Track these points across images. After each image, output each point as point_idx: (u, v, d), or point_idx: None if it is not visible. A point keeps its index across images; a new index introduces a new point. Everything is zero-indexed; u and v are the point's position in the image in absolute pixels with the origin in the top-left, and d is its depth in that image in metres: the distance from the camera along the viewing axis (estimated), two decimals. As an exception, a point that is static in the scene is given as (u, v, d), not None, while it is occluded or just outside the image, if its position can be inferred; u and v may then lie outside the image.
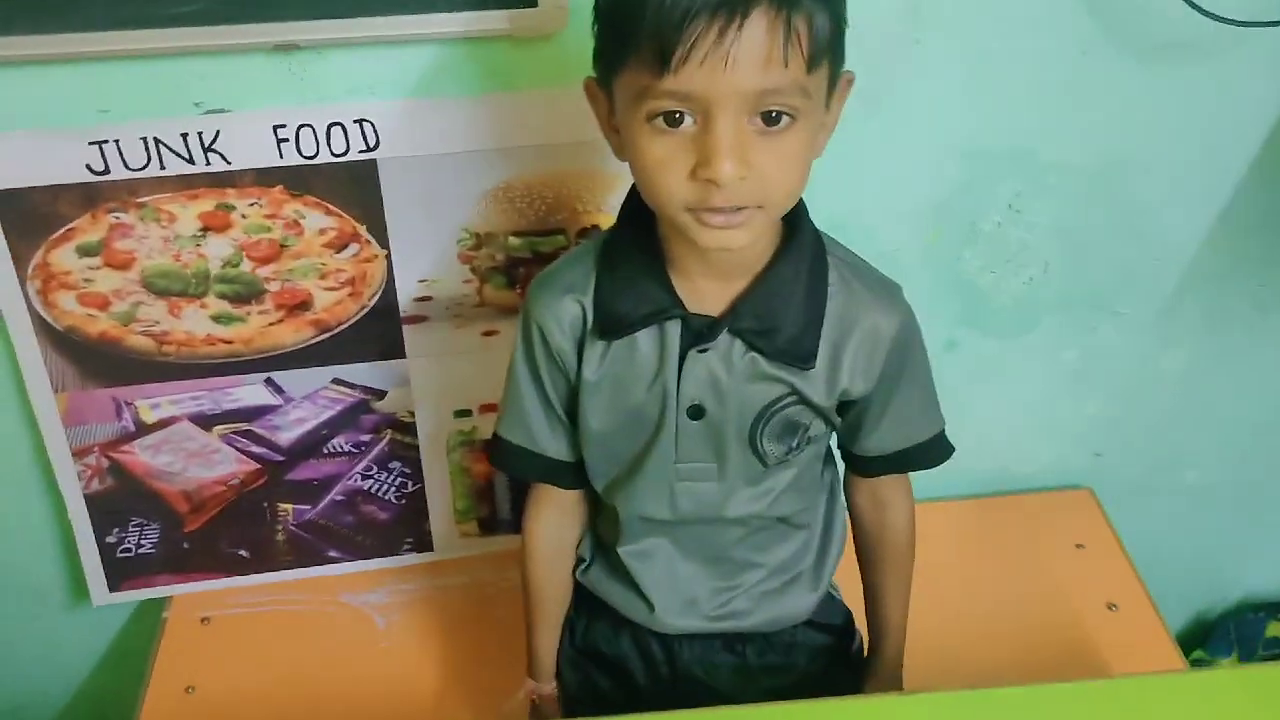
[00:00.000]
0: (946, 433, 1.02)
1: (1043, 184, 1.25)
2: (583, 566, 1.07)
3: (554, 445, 0.99)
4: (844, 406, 0.96)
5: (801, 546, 1.04)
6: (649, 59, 0.76)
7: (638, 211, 0.90)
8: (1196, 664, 1.56)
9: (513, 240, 1.21)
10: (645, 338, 0.91)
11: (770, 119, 0.78)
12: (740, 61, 0.74)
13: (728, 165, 0.76)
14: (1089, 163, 1.25)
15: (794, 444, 0.95)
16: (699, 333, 0.90)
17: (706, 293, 0.90)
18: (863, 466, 1.02)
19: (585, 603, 1.09)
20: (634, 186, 0.90)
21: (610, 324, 0.91)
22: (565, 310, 0.93)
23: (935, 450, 1.02)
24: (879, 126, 1.18)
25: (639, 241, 0.91)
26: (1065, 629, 1.32)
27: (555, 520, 1.05)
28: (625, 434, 0.95)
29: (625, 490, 0.98)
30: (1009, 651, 1.29)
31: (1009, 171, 1.24)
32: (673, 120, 0.78)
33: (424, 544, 1.38)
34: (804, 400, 0.92)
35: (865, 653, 1.13)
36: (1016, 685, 0.93)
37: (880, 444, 0.99)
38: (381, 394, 1.28)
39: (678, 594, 1.02)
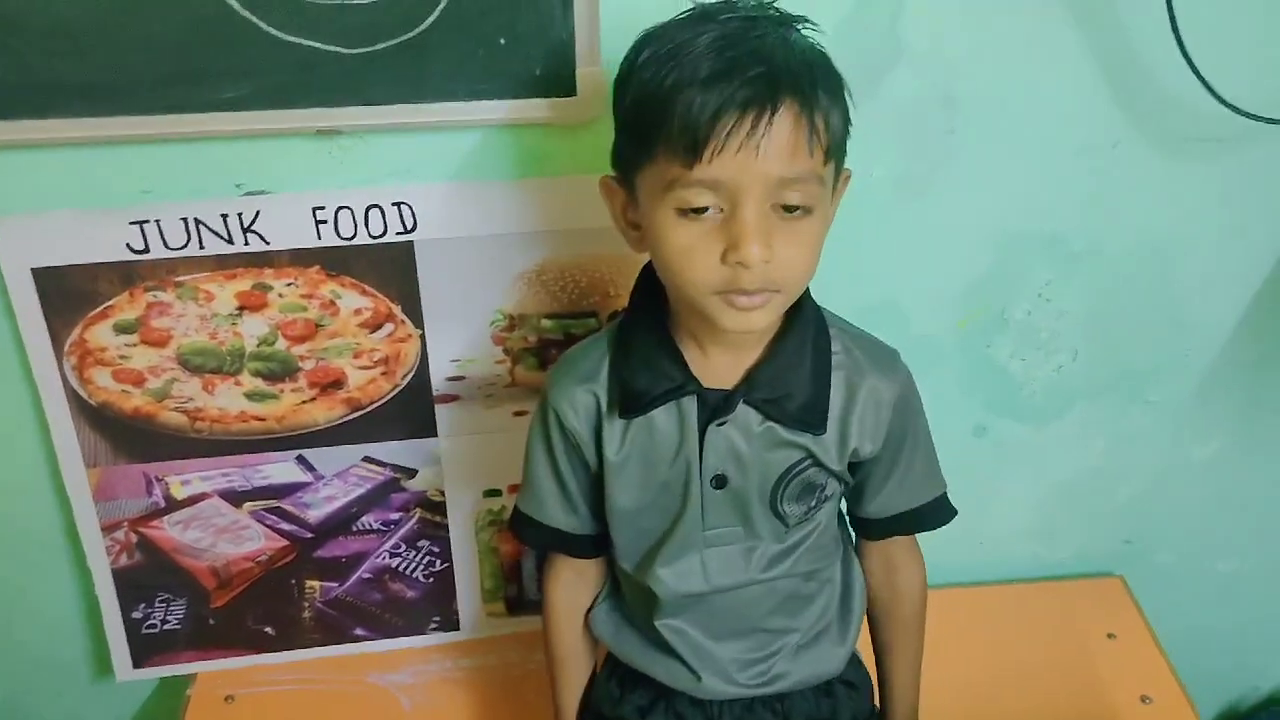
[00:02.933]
0: (948, 494, 1.06)
1: (1074, 272, 1.26)
2: (612, 633, 1.09)
3: (566, 520, 1.03)
4: (853, 467, 1.00)
5: (826, 602, 1.06)
6: (680, 152, 0.80)
7: (648, 295, 0.95)
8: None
9: (546, 322, 1.21)
10: (663, 415, 0.95)
11: (789, 209, 0.83)
12: (769, 151, 0.80)
13: (756, 248, 0.81)
14: (1120, 251, 1.25)
15: (812, 503, 0.99)
16: (716, 406, 0.94)
17: (719, 367, 0.94)
18: (870, 530, 1.07)
19: (616, 675, 1.11)
20: (642, 272, 0.97)
21: (629, 403, 0.94)
22: (579, 399, 0.97)
23: (938, 512, 1.06)
24: (914, 214, 1.19)
25: (651, 323, 0.95)
26: (1099, 720, 1.30)
27: (571, 583, 1.09)
28: (654, 508, 0.99)
29: (657, 565, 1.00)
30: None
31: (1040, 259, 1.25)
32: (699, 210, 0.82)
33: (451, 623, 1.38)
34: (819, 463, 0.96)
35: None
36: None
37: (885, 506, 1.03)
38: (412, 472, 1.28)
39: (719, 664, 1.04)
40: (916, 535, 1.08)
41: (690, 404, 0.94)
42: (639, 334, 0.96)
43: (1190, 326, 1.31)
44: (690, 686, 1.05)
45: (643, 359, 0.94)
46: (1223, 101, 1.10)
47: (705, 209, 0.82)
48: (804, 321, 0.95)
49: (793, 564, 1.01)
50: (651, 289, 0.94)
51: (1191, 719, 1.29)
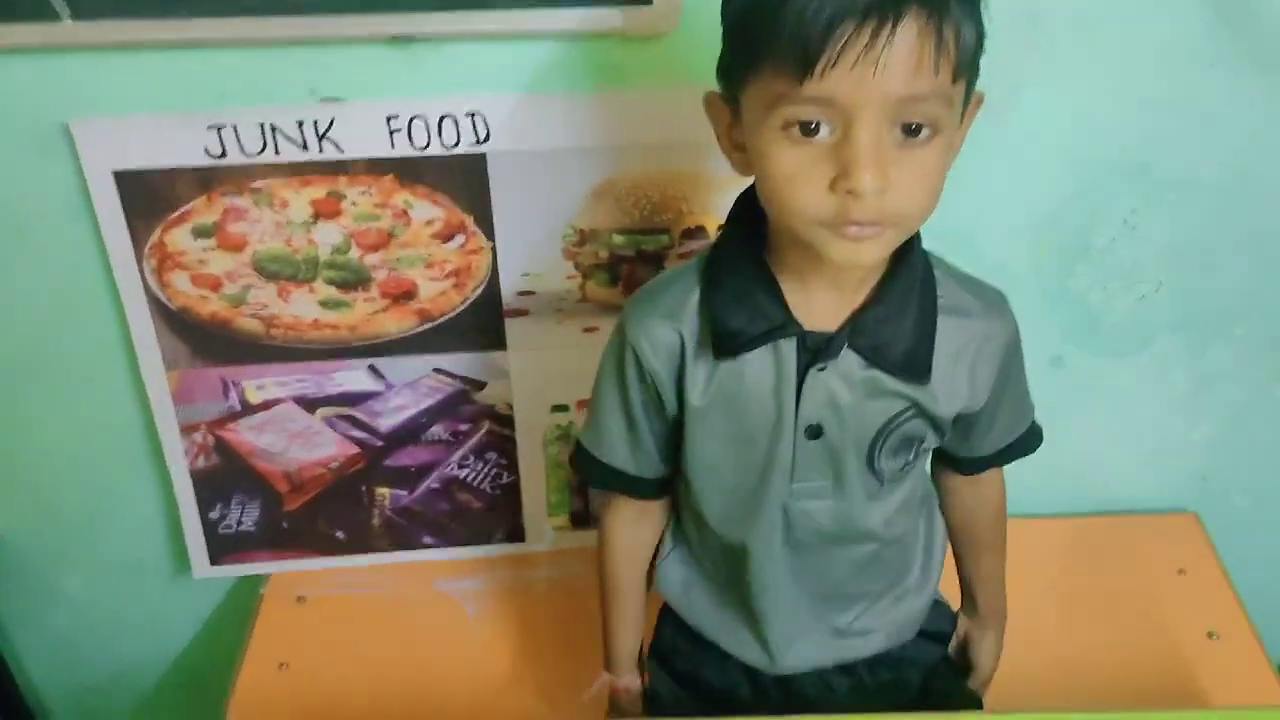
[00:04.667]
0: (1036, 419, 1.03)
1: (1161, 199, 1.22)
2: (680, 593, 1.05)
3: (631, 462, 0.98)
4: (957, 418, 0.94)
5: (910, 561, 1.03)
6: (789, 64, 0.72)
7: (745, 223, 0.88)
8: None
9: (617, 238, 1.21)
10: (758, 357, 0.88)
11: (911, 130, 0.75)
12: (890, 67, 0.71)
13: (869, 176, 0.73)
14: (1210, 180, 1.21)
15: (910, 457, 0.94)
16: (816, 350, 0.87)
17: (822, 307, 0.87)
18: (963, 466, 1.03)
19: (682, 635, 1.08)
20: (740, 197, 0.89)
21: (721, 343, 0.88)
22: (661, 337, 0.90)
23: (1029, 440, 1.02)
24: (995, 136, 1.15)
25: (748, 255, 0.88)
26: (1164, 656, 1.28)
27: (631, 524, 1.04)
28: (741, 457, 0.93)
29: (745, 519, 0.95)
30: (1105, 675, 1.26)
31: (1126, 186, 1.21)
32: (809, 130, 0.75)
33: (516, 535, 1.39)
34: (923, 413, 0.91)
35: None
36: (1111, 712, 0.91)
37: (982, 447, 1.00)
38: (481, 385, 1.29)
39: (797, 634, 1.01)
40: None
41: (789, 346, 0.87)
42: (734, 266, 0.88)
43: (1278, 261, 1.27)
44: (762, 664, 1.03)
45: (738, 295, 0.87)
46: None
47: (816, 127, 0.74)
48: (911, 263, 0.87)
49: (882, 523, 0.96)
50: (749, 216, 0.87)
51: (1259, 654, 1.27)
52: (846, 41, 0.70)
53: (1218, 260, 1.27)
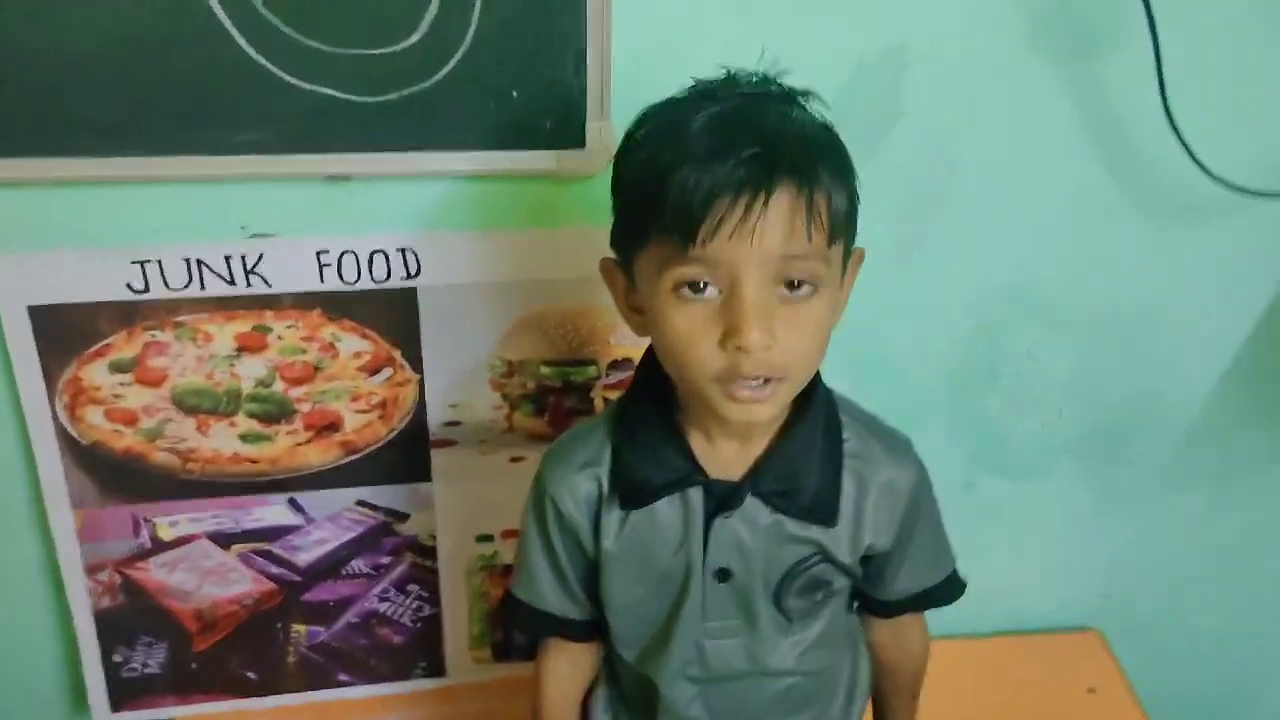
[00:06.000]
0: (958, 570, 1.04)
1: (1060, 332, 1.29)
2: None
3: (563, 606, 1.00)
4: (865, 560, 0.97)
5: (831, 696, 1.04)
6: (674, 235, 0.78)
7: (652, 379, 0.91)
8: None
9: (545, 369, 1.22)
10: (666, 505, 0.91)
11: (794, 286, 0.80)
12: (766, 233, 0.77)
13: (755, 333, 0.77)
14: (1105, 314, 1.29)
15: (818, 598, 0.96)
16: (722, 498, 0.90)
17: (727, 456, 0.90)
18: (881, 610, 1.03)
19: None
20: (645, 355, 0.93)
21: (631, 494, 0.91)
22: (580, 486, 0.93)
23: (949, 589, 1.03)
24: (909, 273, 1.21)
25: (656, 409, 0.92)
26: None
27: (565, 667, 1.05)
28: (652, 599, 0.95)
29: (656, 656, 0.97)
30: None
31: (1029, 320, 1.28)
32: (697, 289, 0.79)
33: (437, 669, 1.36)
34: (829, 558, 0.93)
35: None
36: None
37: (898, 590, 1.00)
38: (405, 516, 1.28)
39: None
40: None
41: (696, 494, 0.90)
42: (642, 419, 0.92)
43: (1171, 388, 1.35)
44: None
45: (646, 447, 0.91)
46: (1208, 173, 1.15)
47: (703, 287, 0.79)
48: (814, 409, 0.91)
49: (796, 660, 0.98)
50: (655, 372, 0.90)
51: (1170, 772, 1.32)
52: (724, 214, 0.76)
53: (1114, 388, 1.34)
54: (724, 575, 0.92)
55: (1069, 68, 1.14)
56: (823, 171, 0.79)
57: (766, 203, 0.76)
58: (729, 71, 0.84)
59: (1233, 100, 1.17)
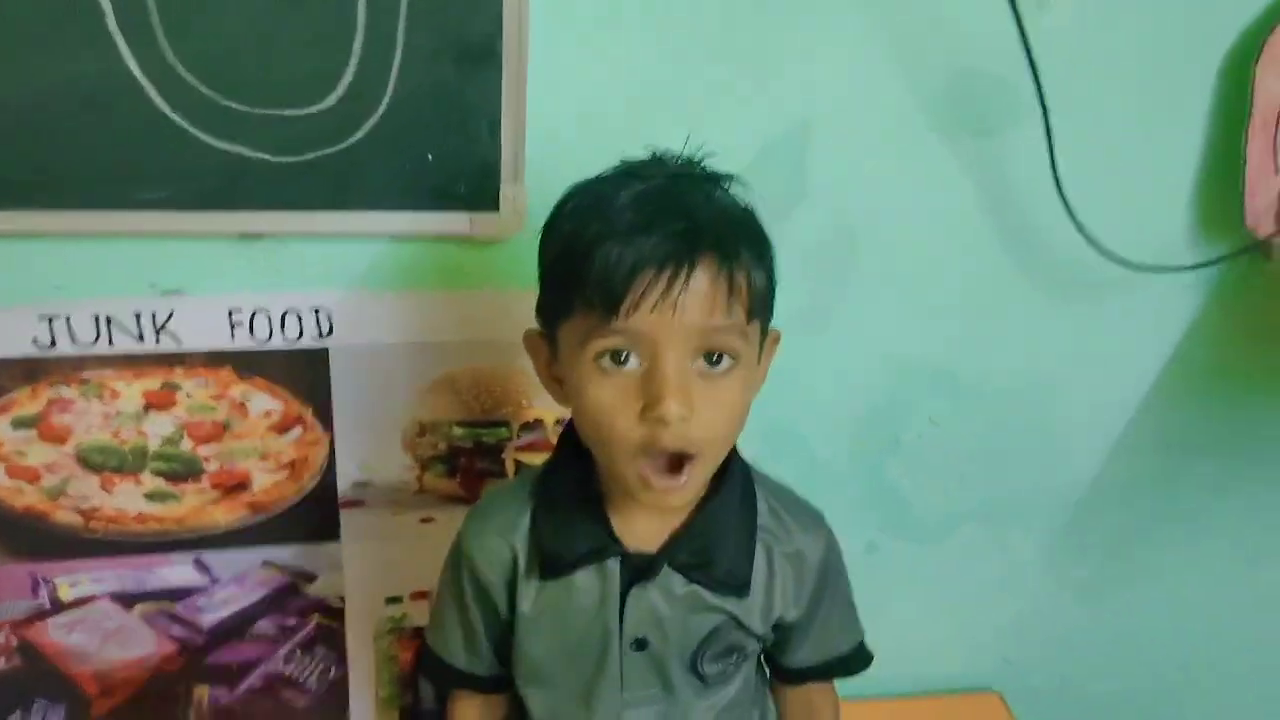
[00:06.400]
0: (865, 642, 1.06)
1: (960, 402, 1.33)
2: None
3: (470, 663, 1.01)
4: (775, 627, 0.99)
5: None
6: (597, 307, 0.80)
7: (573, 449, 0.93)
8: None
9: (457, 430, 1.23)
10: (584, 574, 0.92)
11: (713, 360, 0.82)
12: (688, 307, 0.79)
13: (674, 404, 0.79)
14: (1004, 384, 1.33)
15: (732, 661, 0.98)
16: (638, 569, 0.92)
17: (644, 527, 0.92)
18: (788, 677, 1.05)
19: None
20: (568, 426, 0.94)
21: (548, 564, 0.93)
22: (496, 552, 0.95)
23: (856, 659, 1.06)
24: (816, 343, 1.25)
25: (575, 478, 0.94)
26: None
27: (474, 715, 1.06)
28: (568, 667, 0.97)
29: None
30: None
31: (931, 389, 1.32)
32: (618, 359, 0.81)
33: (341, 733, 1.35)
34: (741, 625, 0.95)
35: None
36: None
37: (807, 658, 1.03)
38: (313, 577, 1.27)
39: None
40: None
41: (613, 565, 0.92)
42: (562, 489, 0.94)
43: (1066, 456, 1.39)
44: None
45: (564, 518, 0.93)
46: (1099, 249, 1.20)
47: (625, 357, 0.81)
48: (731, 482, 0.93)
49: (715, 718, 1.00)
50: (576, 442, 0.92)
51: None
52: (647, 287, 0.79)
53: (1012, 456, 1.38)
54: (641, 645, 0.94)
55: (966, 145, 1.19)
56: (744, 250, 0.82)
57: (689, 277, 0.79)
58: (654, 152, 0.87)
59: (1122, 177, 1.22)
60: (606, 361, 0.82)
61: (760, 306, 0.85)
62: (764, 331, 0.88)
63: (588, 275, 0.79)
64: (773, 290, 0.87)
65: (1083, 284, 1.28)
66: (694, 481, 0.85)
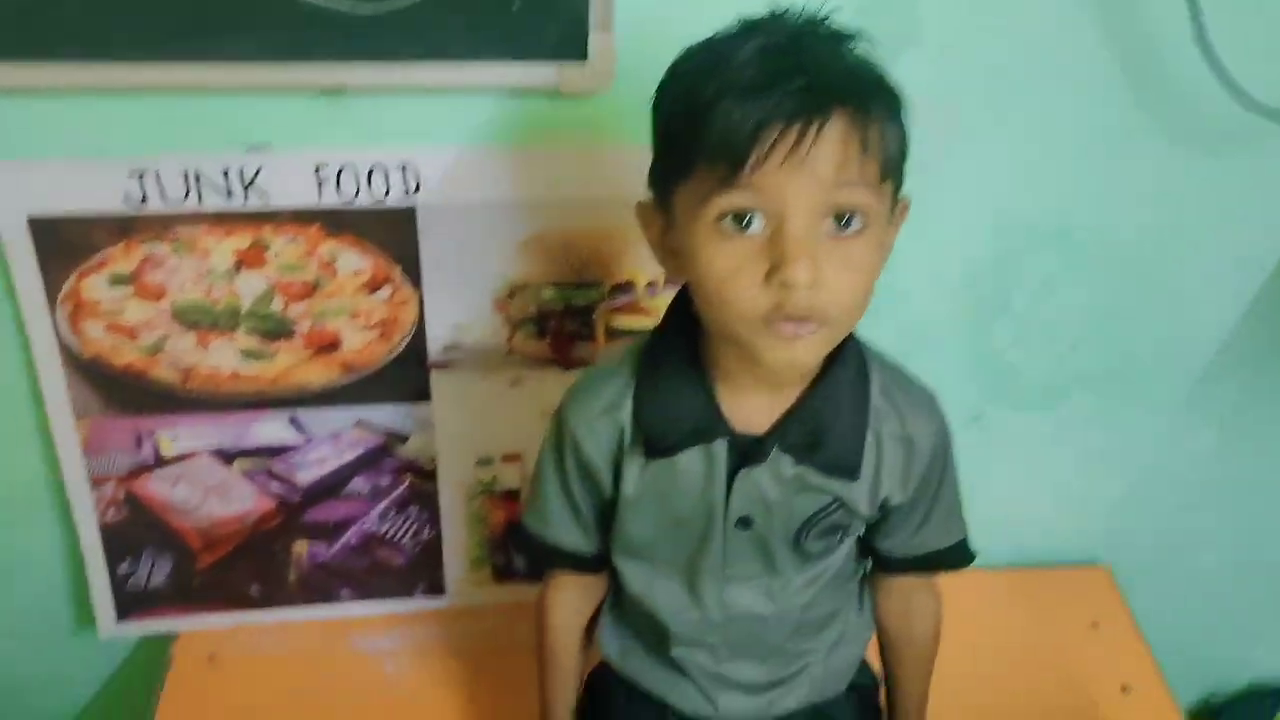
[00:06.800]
0: (968, 540, 1.03)
1: (1078, 262, 1.26)
2: (618, 655, 1.06)
3: (575, 540, 0.99)
4: (880, 508, 0.96)
5: (844, 617, 1.04)
6: (719, 166, 0.75)
7: (681, 321, 0.89)
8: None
9: (547, 292, 1.20)
10: (689, 455, 0.89)
11: (843, 222, 0.77)
12: (818, 162, 0.74)
13: (802, 266, 0.75)
14: (1125, 243, 1.25)
15: (836, 539, 0.96)
16: (747, 451, 0.89)
17: (754, 408, 0.89)
18: (886, 564, 1.03)
19: (621, 691, 1.07)
20: (677, 298, 0.91)
21: (653, 444, 0.89)
22: (602, 429, 0.91)
23: (957, 556, 1.03)
24: (920, 196, 1.17)
25: (682, 356, 0.89)
26: (1079, 711, 1.30)
27: (573, 600, 1.05)
28: (669, 544, 0.95)
29: (673, 599, 0.97)
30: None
31: (1045, 248, 1.25)
32: (742, 222, 0.76)
33: (437, 590, 1.37)
34: (848, 507, 0.93)
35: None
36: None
37: (904, 547, 1.00)
38: (404, 438, 1.27)
39: (737, 688, 1.02)
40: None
41: (720, 447, 0.89)
42: (668, 366, 0.90)
43: (1190, 321, 1.32)
44: (707, 713, 1.02)
45: (670, 397, 0.89)
46: (1240, 96, 1.10)
47: (748, 221, 0.76)
48: (844, 361, 0.88)
49: (815, 593, 0.98)
50: (684, 316, 0.88)
51: (1170, 710, 1.30)
52: (774, 143, 0.73)
53: (1131, 319, 1.31)
54: (745, 524, 0.92)
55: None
56: (877, 105, 0.77)
57: (820, 130, 0.73)
58: (774, 9, 0.80)
59: (1267, 21, 1.12)
60: (729, 224, 0.77)
61: (893, 168, 0.79)
62: (895, 198, 0.82)
63: (709, 132, 0.74)
64: (905, 153, 0.81)
65: (1219, 134, 1.18)
66: (820, 340, 0.80)
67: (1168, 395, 1.37)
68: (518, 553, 1.02)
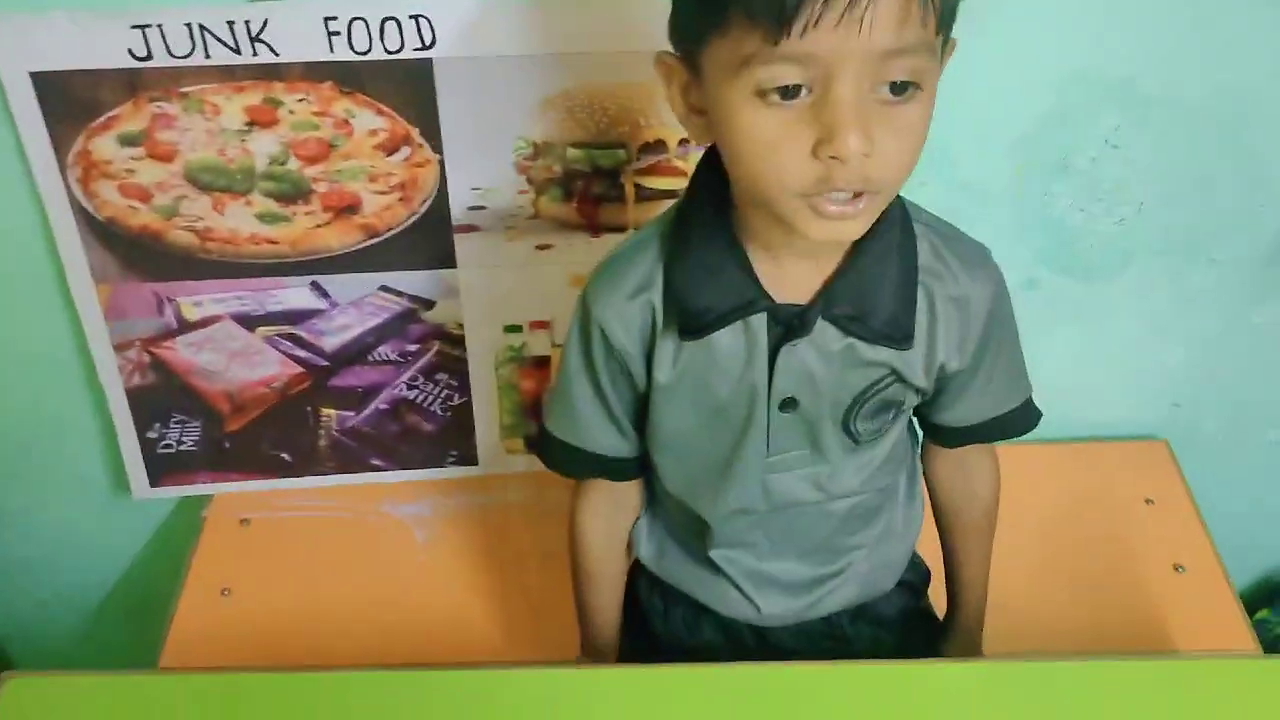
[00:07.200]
0: (1033, 399, 0.96)
1: (1145, 118, 1.16)
2: (654, 558, 1.01)
3: (607, 442, 0.92)
4: (936, 379, 0.89)
5: (891, 510, 0.98)
6: (763, 24, 0.65)
7: (709, 187, 0.81)
8: (1260, 624, 1.50)
9: (572, 152, 1.14)
10: (727, 332, 0.82)
11: (898, 88, 0.68)
12: (875, 21, 0.64)
13: (854, 138, 0.66)
14: (1197, 98, 1.15)
15: (889, 419, 0.89)
16: (790, 324, 0.82)
17: (794, 277, 0.81)
18: (947, 438, 0.96)
19: (658, 589, 1.03)
20: (703, 161, 0.83)
21: (688, 323, 0.82)
22: (633, 313, 0.84)
23: (1022, 418, 0.96)
24: (972, 48, 1.07)
25: (714, 224, 0.81)
26: (1130, 589, 1.26)
27: (609, 511, 0.99)
28: (707, 433, 0.88)
29: (712, 492, 0.91)
30: (1070, 608, 1.24)
31: (1109, 103, 1.15)
32: (787, 94, 0.68)
33: (469, 458, 1.35)
34: (902, 379, 0.86)
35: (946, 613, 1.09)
36: (1076, 652, 0.87)
37: (968, 414, 0.92)
38: (430, 304, 1.23)
39: (779, 587, 0.97)
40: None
41: (760, 321, 0.81)
42: (699, 237, 0.82)
43: (1266, 183, 1.21)
44: (747, 615, 0.98)
45: (704, 269, 0.81)
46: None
47: (794, 92, 0.67)
48: (889, 222, 0.80)
49: (863, 481, 0.92)
50: (713, 181, 0.81)
51: (1224, 590, 1.25)
52: None
53: (1203, 182, 1.21)
54: (790, 405, 0.85)
55: None
56: None
57: None
58: None
59: None
60: (774, 96, 0.68)
61: (951, 13, 0.70)
62: (945, 42, 0.73)
63: None
64: None
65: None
66: (868, 212, 0.73)
67: (1238, 262, 1.27)
68: (545, 463, 0.95)
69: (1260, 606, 1.54)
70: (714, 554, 0.95)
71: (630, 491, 0.98)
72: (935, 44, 0.70)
